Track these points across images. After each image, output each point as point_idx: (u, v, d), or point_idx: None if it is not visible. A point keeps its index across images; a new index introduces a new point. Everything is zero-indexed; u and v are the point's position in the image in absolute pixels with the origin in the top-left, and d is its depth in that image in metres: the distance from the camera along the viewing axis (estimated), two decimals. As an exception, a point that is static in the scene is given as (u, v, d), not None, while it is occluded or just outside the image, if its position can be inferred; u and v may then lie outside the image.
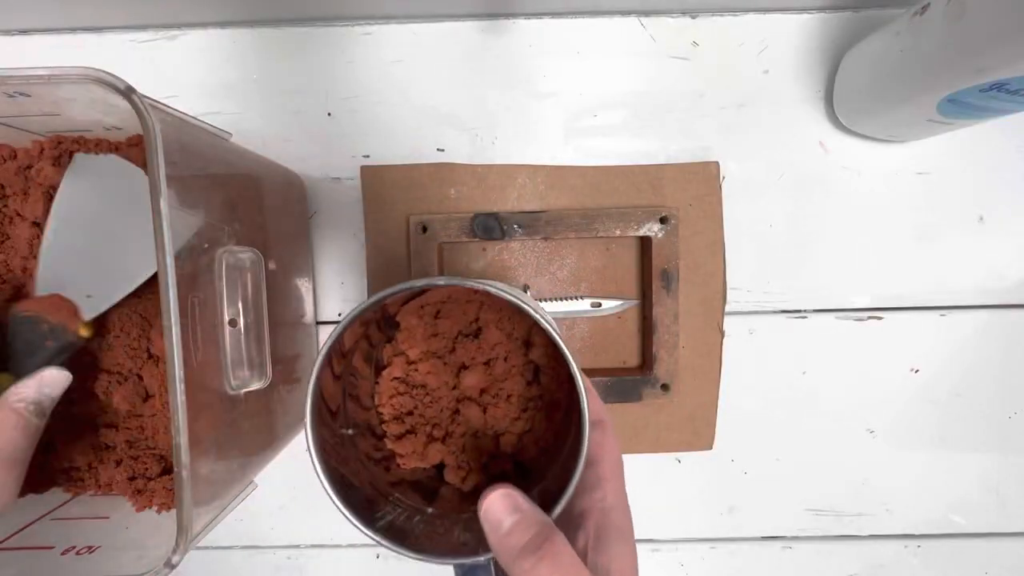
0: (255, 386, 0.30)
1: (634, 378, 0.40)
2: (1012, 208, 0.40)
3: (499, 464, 0.29)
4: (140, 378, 0.33)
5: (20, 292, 0.33)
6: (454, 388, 0.29)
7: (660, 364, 0.40)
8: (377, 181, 0.40)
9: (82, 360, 0.33)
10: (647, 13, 0.40)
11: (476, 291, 0.28)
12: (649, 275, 0.39)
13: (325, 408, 0.25)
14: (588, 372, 0.41)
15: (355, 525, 0.22)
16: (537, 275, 0.41)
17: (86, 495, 0.34)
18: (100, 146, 0.33)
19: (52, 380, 0.27)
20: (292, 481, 0.42)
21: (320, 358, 0.23)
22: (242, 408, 0.30)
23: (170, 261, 0.23)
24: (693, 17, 0.40)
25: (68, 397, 0.33)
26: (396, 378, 0.29)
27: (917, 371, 0.41)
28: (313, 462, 0.23)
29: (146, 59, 0.40)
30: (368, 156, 0.40)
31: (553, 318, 0.40)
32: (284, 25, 0.40)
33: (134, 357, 0.33)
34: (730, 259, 0.41)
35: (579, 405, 0.22)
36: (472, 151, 0.40)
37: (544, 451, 0.29)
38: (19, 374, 0.28)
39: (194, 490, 0.24)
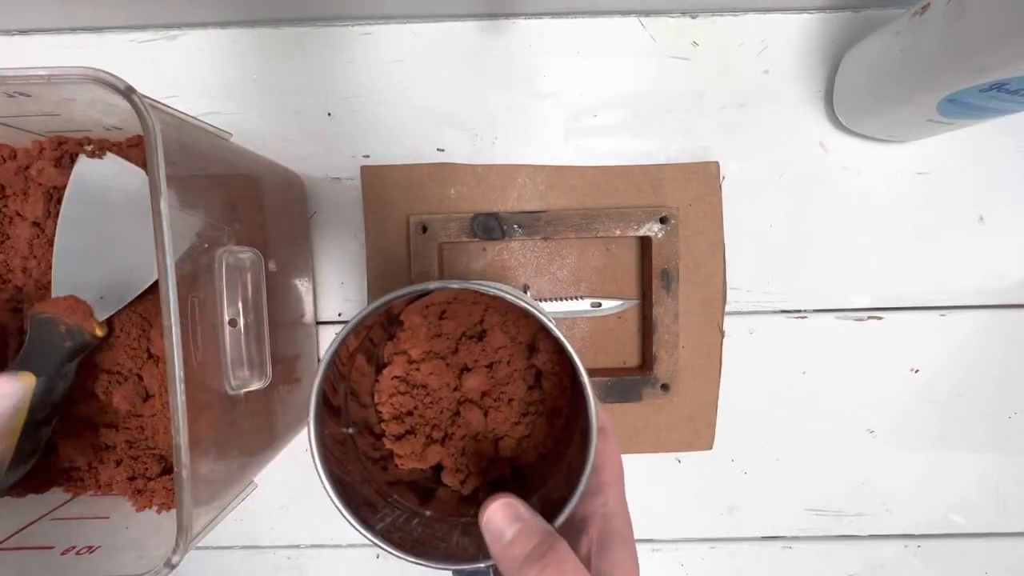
0: (255, 386, 0.30)
1: (634, 378, 0.40)
2: (1012, 208, 0.40)
3: (497, 468, 0.29)
4: (140, 378, 0.34)
5: (19, 293, 0.33)
6: (455, 390, 0.29)
7: (660, 364, 0.40)
8: (377, 181, 0.40)
9: (82, 360, 0.33)
10: (647, 13, 0.40)
11: (484, 295, 0.28)
12: (649, 275, 0.39)
13: (328, 406, 0.25)
14: (588, 372, 0.41)
15: (355, 527, 0.22)
16: (537, 275, 0.41)
17: (86, 495, 0.34)
18: (102, 146, 0.33)
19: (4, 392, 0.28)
20: (292, 481, 0.42)
21: (325, 360, 0.23)
22: (242, 408, 0.30)
23: (170, 261, 0.23)
24: (693, 17, 0.40)
25: (68, 397, 0.33)
26: (396, 377, 0.29)
27: (917, 371, 0.41)
28: (315, 463, 0.23)
29: (146, 59, 0.40)
30: (368, 156, 0.40)
31: (553, 318, 0.41)
32: (284, 25, 0.40)
33: (134, 357, 0.33)
34: (730, 259, 0.41)
35: (585, 413, 0.22)
36: (472, 151, 0.40)
37: (543, 457, 0.29)
38: (39, 374, 0.30)
39: (194, 490, 0.24)
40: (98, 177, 0.32)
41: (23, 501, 0.33)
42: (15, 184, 0.33)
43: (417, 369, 0.28)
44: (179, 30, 0.40)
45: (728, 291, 0.41)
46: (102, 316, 0.32)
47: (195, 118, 0.28)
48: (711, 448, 0.42)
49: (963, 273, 0.41)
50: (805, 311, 0.41)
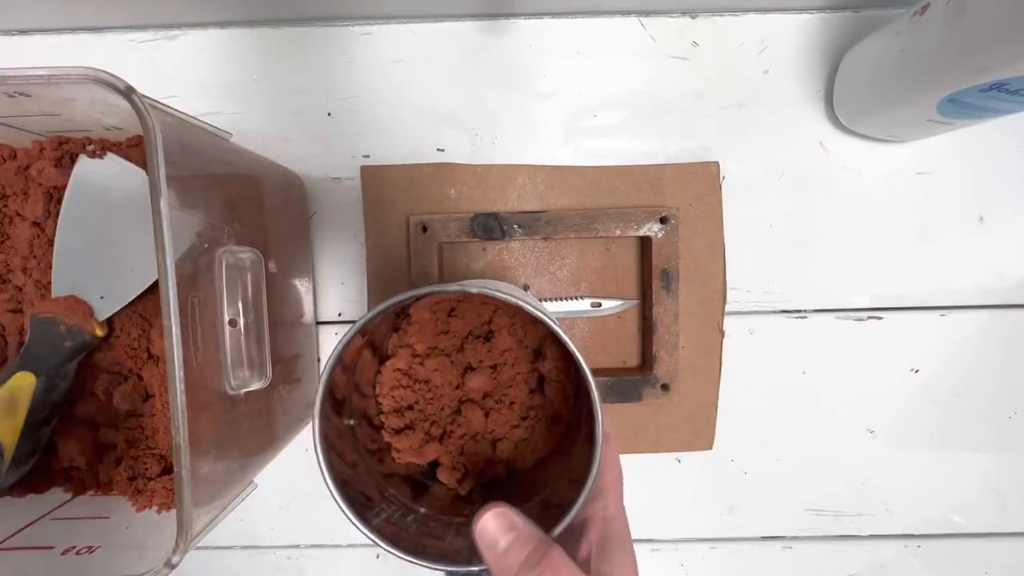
0: (255, 386, 0.30)
1: (634, 378, 0.40)
2: (1012, 208, 0.40)
3: (493, 469, 0.29)
4: (140, 378, 0.34)
5: (19, 293, 0.33)
6: (457, 388, 0.28)
7: (660, 364, 0.40)
8: (377, 181, 0.40)
9: (82, 360, 0.33)
10: (647, 13, 0.40)
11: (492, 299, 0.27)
12: (649, 275, 0.39)
13: (331, 398, 0.25)
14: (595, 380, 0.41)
15: (352, 521, 0.22)
16: (537, 275, 0.41)
17: (86, 495, 0.34)
18: (102, 146, 0.33)
19: None
20: (292, 481, 0.42)
21: (331, 360, 0.23)
22: (242, 408, 0.30)
23: (170, 261, 0.23)
24: (693, 17, 0.40)
25: (68, 397, 0.33)
26: (399, 369, 0.29)
27: (917, 371, 0.41)
28: (317, 455, 0.23)
29: (146, 59, 0.40)
30: (368, 156, 0.40)
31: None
32: (284, 25, 0.40)
33: (134, 357, 0.33)
34: (730, 259, 0.41)
35: (591, 421, 0.22)
36: (472, 151, 0.40)
37: (540, 462, 0.29)
38: (39, 374, 0.31)
39: (194, 490, 0.24)
40: (98, 177, 0.32)
41: (23, 501, 0.33)
42: (15, 184, 0.33)
43: (421, 364, 0.28)
44: (179, 30, 0.40)
45: (728, 291, 0.41)
46: (102, 316, 0.32)
47: (195, 118, 0.28)
48: (711, 448, 0.42)
49: (963, 273, 0.41)
50: (805, 311, 0.41)
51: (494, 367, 0.28)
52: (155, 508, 0.32)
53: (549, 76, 0.40)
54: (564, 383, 0.29)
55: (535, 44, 0.40)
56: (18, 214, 0.33)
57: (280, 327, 0.34)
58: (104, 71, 0.22)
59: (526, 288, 0.41)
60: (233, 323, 0.29)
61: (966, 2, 0.27)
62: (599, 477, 0.23)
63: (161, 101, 0.24)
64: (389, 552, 0.22)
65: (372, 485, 0.26)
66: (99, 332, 0.32)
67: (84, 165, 0.32)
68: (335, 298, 0.41)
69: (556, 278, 0.41)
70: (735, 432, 0.42)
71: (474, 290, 0.22)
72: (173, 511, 0.29)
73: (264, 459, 0.33)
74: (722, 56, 0.40)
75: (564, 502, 0.22)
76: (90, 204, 0.32)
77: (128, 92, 0.22)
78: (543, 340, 0.29)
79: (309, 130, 0.40)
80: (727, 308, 0.41)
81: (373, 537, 0.22)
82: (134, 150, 0.33)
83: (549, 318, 0.22)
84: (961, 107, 0.31)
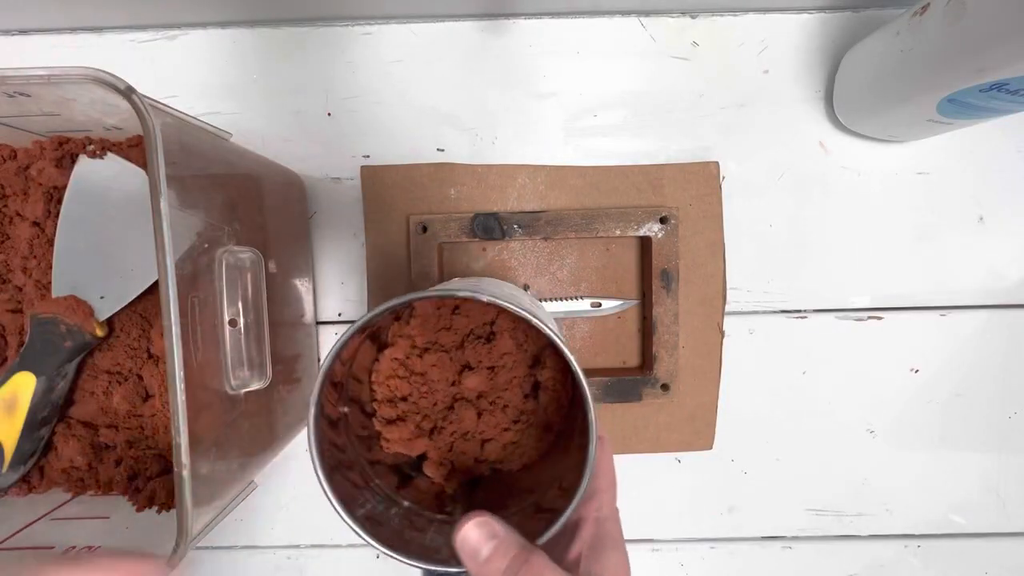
0: (255, 386, 0.30)
1: (634, 378, 0.40)
2: (1012, 208, 0.40)
3: (478, 468, 0.29)
4: (140, 378, 0.34)
5: (19, 293, 0.33)
6: (453, 385, 0.28)
7: (660, 364, 0.40)
8: (377, 181, 0.40)
9: (82, 360, 0.33)
10: (647, 13, 0.40)
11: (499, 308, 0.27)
12: (649, 275, 0.39)
13: (329, 386, 0.25)
14: (588, 372, 0.41)
15: (337, 511, 0.22)
16: (537, 275, 0.41)
17: (86, 495, 0.34)
18: (102, 146, 0.33)
19: None
20: (292, 481, 0.42)
21: (331, 355, 0.23)
22: (242, 408, 0.30)
23: (170, 261, 0.23)
24: (693, 17, 0.40)
25: (68, 397, 0.33)
26: (396, 359, 0.28)
27: (917, 371, 0.41)
28: (309, 441, 0.23)
29: (146, 59, 0.40)
30: (368, 156, 0.40)
31: (553, 318, 0.41)
32: (284, 25, 0.40)
33: (134, 357, 0.33)
34: (730, 259, 0.41)
35: (587, 431, 0.22)
36: (472, 151, 0.40)
37: (526, 467, 0.29)
38: (39, 374, 0.31)
39: (194, 490, 0.24)
40: (98, 177, 0.32)
41: (23, 501, 0.33)
42: (15, 184, 0.33)
43: (420, 357, 0.28)
44: (179, 30, 0.40)
45: (728, 291, 0.41)
46: (102, 316, 0.32)
47: (195, 118, 0.28)
48: (711, 448, 0.42)
49: (963, 273, 0.41)
50: (805, 311, 0.41)
51: (492, 369, 0.28)
52: (155, 508, 0.32)
53: (549, 76, 0.40)
54: (559, 392, 0.29)
55: (535, 44, 0.40)
56: (18, 214, 0.33)
57: (280, 327, 0.34)
58: (104, 71, 0.22)
59: (526, 288, 0.41)
60: (233, 323, 0.29)
61: (966, 2, 0.27)
62: (593, 479, 0.24)
63: (161, 101, 0.24)
64: (371, 546, 0.22)
65: (359, 472, 0.26)
66: (99, 332, 0.32)
67: (84, 165, 0.32)
68: (335, 298, 0.41)
69: (556, 278, 0.41)
70: (735, 432, 0.42)
71: (484, 298, 0.22)
72: (173, 511, 0.29)
73: (264, 459, 0.33)
74: (722, 56, 0.40)
75: (555, 508, 0.22)
76: (90, 204, 0.32)
77: (128, 92, 0.22)
78: (543, 347, 0.29)
79: (309, 130, 0.40)
80: (727, 308, 0.41)
81: (356, 528, 0.22)
82: (134, 150, 0.33)
83: (548, 327, 0.22)
84: (961, 107, 0.31)
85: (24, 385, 0.31)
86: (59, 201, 0.32)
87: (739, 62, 0.40)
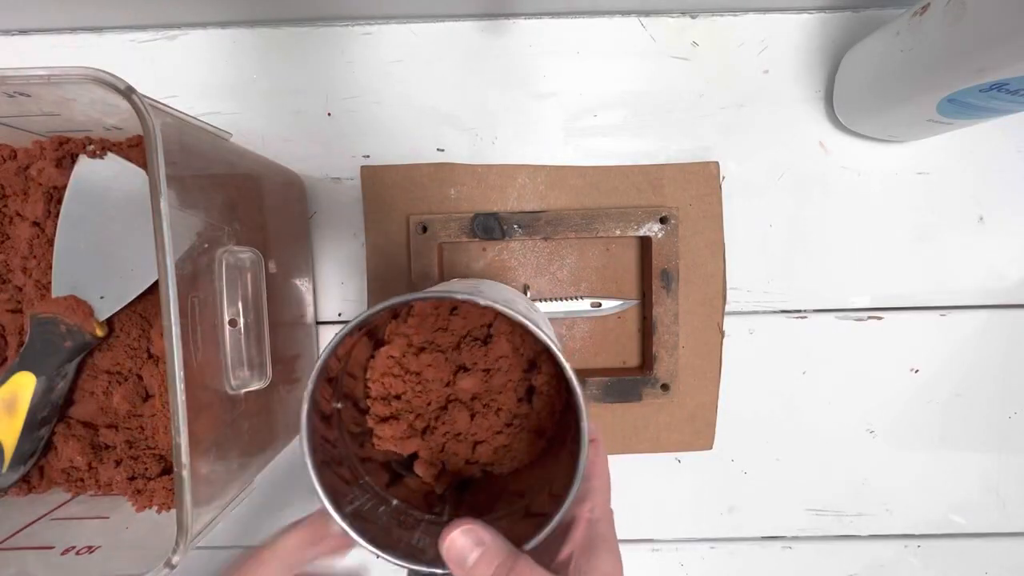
0: (255, 386, 0.30)
1: (634, 378, 0.40)
2: (1012, 208, 0.40)
3: (469, 470, 0.29)
4: (140, 378, 0.34)
5: (19, 293, 0.33)
6: (448, 385, 0.28)
7: (660, 364, 0.40)
8: (377, 181, 0.40)
9: (82, 360, 0.33)
10: (647, 13, 0.40)
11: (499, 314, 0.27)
12: (649, 275, 0.39)
13: (324, 381, 0.25)
14: (588, 372, 0.41)
15: (326, 506, 0.22)
16: (537, 275, 0.41)
17: (86, 495, 0.34)
18: (102, 146, 0.33)
19: None
20: (292, 481, 0.42)
21: (321, 359, 0.23)
22: (242, 408, 0.30)
23: (170, 261, 0.23)
24: (693, 17, 0.40)
25: (68, 397, 0.33)
26: (392, 357, 0.28)
27: (917, 371, 0.41)
28: (302, 435, 0.23)
29: (146, 59, 0.40)
30: (368, 156, 0.40)
31: (553, 318, 0.41)
32: (284, 25, 0.40)
33: (134, 357, 0.33)
34: (730, 259, 0.41)
35: (579, 439, 0.22)
36: (472, 151, 0.40)
37: (517, 471, 0.29)
38: (39, 374, 0.31)
39: (194, 490, 0.24)
40: (98, 177, 0.32)
41: (23, 501, 0.33)
42: (15, 184, 0.33)
43: (415, 356, 0.28)
44: (179, 30, 0.40)
45: (728, 291, 0.41)
46: (102, 316, 0.32)
47: (195, 118, 0.28)
48: (711, 448, 0.42)
49: (963, 273, 0.41)
50: (805, 311, 0.41)
51: (487, 371, 0.28)
52: (155, 508, 0.32)
53: (549, 76, 0.40)
54: (553, 398, 0.29)
55: (535, 44, 0.40)
56: (18, 214, 0.33)
57: (280, 327, 0.34)
58: (104, 71, 0.22)
59: (526, 289, 0.41)
60: (233, 323, 0.29)
61: (966, 2, 0.27)
62: (587, 480, 0.24)
63: (161, 101, 0.24)
64: (358, 544, 0.22)
65: (349, 468, 0.26)
66: (99, 332, 0.32)
67: (84, 165, 0.32)
68: (335, 298, 0.41)
69: (556, 278, 0.41)
70: (735, 432, 0.42)
71: (482, 301, 0.22)
72: (173, 511, 0.29)
73: (264, 459, 0.33)
74: (722, 56, 0.40)
75: (544, 512, 0.22)
76: (90, 204, 0.32)
77: (128, 92, 0.22)
78: (540, 352, 0.29)
79: (309, 130, 0.40)
80: (727, 308, 0.41)
81: (344, 525, 0.22)
82: (134, 150, 0.33)
83: (544, 333, 0.22)
84: (961, 107, 0.31)
85: (24, 385, 0.31)
86: (59, 201, 0.32)
87: (739, 62, 0.40)
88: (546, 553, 0.22)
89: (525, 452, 0.29)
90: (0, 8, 0.38)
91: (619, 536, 0.24)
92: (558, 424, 0.29)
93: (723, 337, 0.41)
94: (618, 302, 0.40)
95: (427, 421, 0.28)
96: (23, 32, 0.40)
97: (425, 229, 0.39)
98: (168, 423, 0.32)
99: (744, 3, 0.39)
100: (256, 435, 0.32)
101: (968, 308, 0.41)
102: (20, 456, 0.31)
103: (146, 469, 0.33)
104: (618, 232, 0.39)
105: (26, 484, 0.33)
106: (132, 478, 0.33)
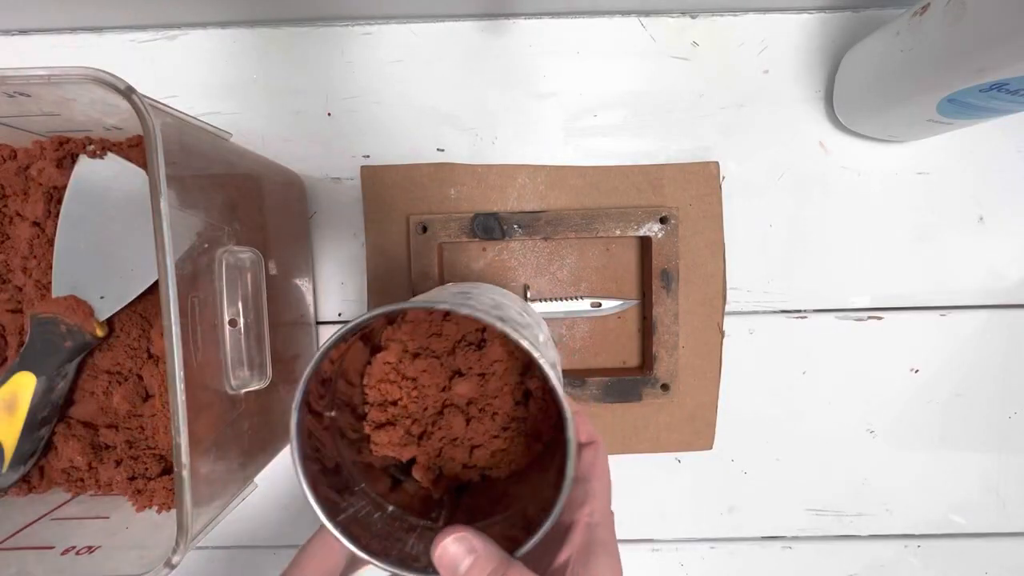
0: (255, 386, 0.30)
1: (634, 378, 0.40)
2: (1012, 208, 0.40)
3: (467, 474, 0.29)
4: (140, 378, 0.34)
5: (19, 293, 0.33)
6: (443, 390, 0.28)
7: (660, 364, 0.40)
8: (377, 181, 0.40)
9: (82, 360, 0.33)
10: (647, 13, 0.40)
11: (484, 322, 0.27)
12: (649, 275, 0.39)
13: (317, 383, 0.25)
14: (588, 372, 0.41)
15: (319, 515, 0.22)
16: (537, 275, 0.41)
17: (86, 495, 0.34)
18: (102, 146, 0.33)
19: None
20: (292, 481, 0.42)
21: (314, 361, 0.23)
22: (242, 408, 0.30)
23: (170, 261, 0.23)
24: (693, 17, 0.40)
25: (68, 397, 0.33)
26: (389, 363, 0.28)
27: (917, 371, 0.41)
28: (292, 445, 0.23)
29: (146, 59, 0.40)
30: (368, 156, 0.40)
31: (553, 318, 0.41)
32: (284, 25, 0.40)
33: (134, 357, 0.33)
34: (730, 259, 0.41)
35: (565, 443, 0.21)
36: (472, 151, 0.40)
37: (514, 474, 0.29)
38: (39, 374, 0.31)
39: (194, 490, 0.24)
40: (98, 177, 0.32)
41: (23, 501, 0.33)
42: (15, 184, 0.33)
43: (411, 362, 0.28)
44: (179, 30, 0.40)
45: (728, 291, 0.41)
46: (102, 316, 0.32)
47: (195, 118, 0.28)
48: (711, 448, 0.42)
49: (963, 273, 0.41)
50: (805, 311, 0.41)
51: (483, 375, 0.28)
52: (155, 508, 0.32)
53: (549, 76, 0.40)
54: (548, 402, 0.29)
55: (535, 44, 0.40)
56: (18, 214, 0.33)
57: (280, 327, 0.34)
58: (104, 71, 0.22)
59: (526, 288, 0.41)
60: (233, 323, 0.29)
61: (966, 2, 0.27)
62: (587, 483, 0.24)
63: (161, 101, 0.24)
64: (349, 549, 0.22)
65: (346, 475, 0.26)
66: (99, 332, 0.32)
67: (84, 165, 0.32)
68: (335, 298, 0.41)
69: (556, 278, 0.41)
70: (735, 432, 0.42)
71: (464, 310, 0.22)
72: (173, 511, 0.29)
73: (264, 459, 0.33)
74: (722, 56, 0.40)
75: (541, 518, 0.22)
76: (90, 204, 0.32)
77: (128, 92, 0.22)
78: None
79: (309, 130, 0.40)
80: (727, 308, 0.41)
81: (337, 533, 0.22)
82: (134, 150, 0.33)
83: (527, 340, 0.22)
84: (961, 107, 0.31)
85: (24, 385, 0.31)
86: (59, 201, 0.32)
87: (739, 62, 0.40)
88: (543, 558, 0.22)
89: (522, 456, 0.29)
90: (0, 8, 0.38)
91: (619, 536, 0.24)
92: (555, 427, 0.29)
93: (723, 337, 0.41)
94: (618, 302, 0.40)
95: (424, 426, 0.28)
96: (23, 32, 0.40)
97: (425, 229, 0.39)
98: (168, 423, 0.32)
99: (744, 3, 0.39)
100: (256, 435, 0.32)
101: (968, 308, 0.41)
102: (20, 456, 0.31)
103: (146, 469, 0.33)
104: (618, 232, 0.39)
105: (26, 484, 0.33)
106: (132, 478, 0.33)
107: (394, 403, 0.28)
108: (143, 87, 0.23)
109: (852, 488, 0.42)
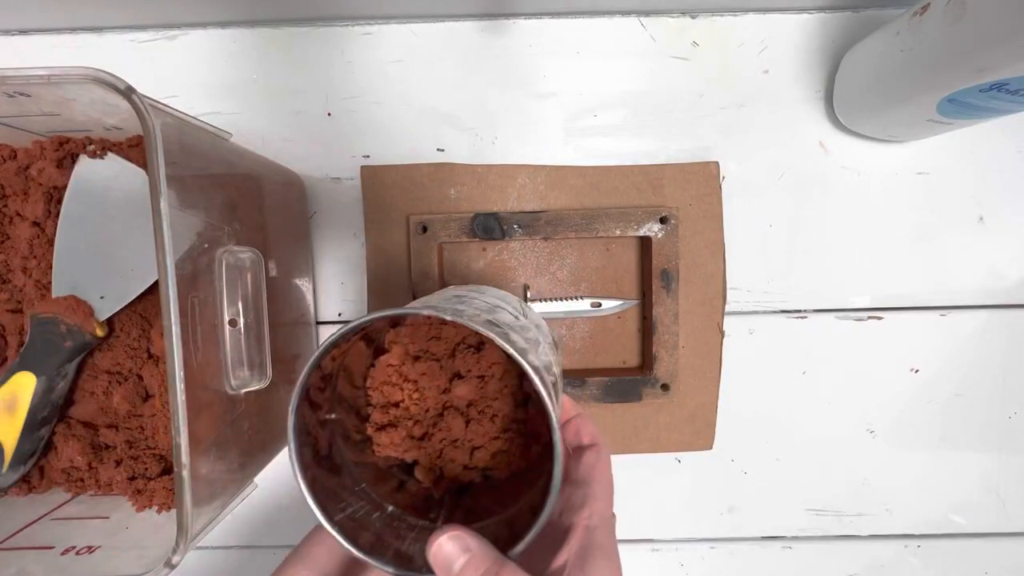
0: (255, 386, 0.30)
1: (634, 378, 0.40)
2: (1012, 208, 0.40)
3: (467, 475, 0.29)
4: (140, 378, 0.34)
5: (19, 293, 0.33)
6: (444, 392, 0.29)
7: (660, 364, 0.40)
8: (377, 181, 0.40)
9: (82, 360, 0.33)
10: (647, 13, 0.40)
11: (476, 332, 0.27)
12: (649, 275, 0.39)
13: (316, 383, 0.25)
14: (588, 372, 0.41)
15: (316, 513, 0.22)
16: (537, 275, 0.41)
17: (86, 495, 0.34)
18: (102, 146, 0.33)
19: None
20: (292, 481, 0.42)
21: (312, 361, 0.23)
22: (242, 408, 0.30)
23: (170, 261, 0.23)
24: (693, 17, 0.40)
25: (68, 397, 0.33)
26: (391, 366, 0.29)
27: (917, 371, 0.41)
28: (289, 445, 0.23)
29: (146, 59, 0.40)
30: (368, 156, 0.40)
31: (553, 318, 0.41)
32: (284, 25, 0.40)
33: (134, 357, 0.33)
34: (730, 259, 0.41)
35: (551, 447, 0.21)
36: (472, 151, 0.40)
37: (514, 475, 0.29)
38: (39, 374, 0.31)
39: (194, 490, 0.24)
40: (98, 177, 0.32)
41: (23, 501, 0.33)
42: (15, 184, 0.33)
43: (412, 364, 0.28)
44: (179, 30, 0.40)
45: (728, 291, 0.41)
46: (102, 316, 0.32)
47: (195, 118, 0.28)
48: (711, 448, 0.42)
49: (963, 273, 0.41)
50: (805, 311, 0.41)
51: (481, 378, 0.28)
52: (155, 508, 0.32)
53: (549, 76, 0.40)
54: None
55: (535, 44, 0.40)
56: (18, 214, 0.33)
57: (280, 327, 0.34)
58: (104, 71, 0.22)
59: (526, 289, 0.41)
60: (233, 323, 0.29)
61: (966, 2, 0.27)
62: (587, 486, 0.23)
63: (161, 101, 0.24)
64: (346, 549, 0.22)
65: (346, 475, 0.26)
66: (99, 332, 0.32)
67: (84, 165, 0.32)
68: (335, 298, 0.41)
69: (556, 278, 0.41)
70: (735, 432, 0.42)
71: (448, 316, 0.22)
72: (173, 511, 0.29)
73: (264, 459, 0.34)
74: (722, 56, 0.40)
75: (530, 522, 0.22)
76: (90, 204, 0.32)
77: (128, 92, 0.22)
78: None
79: (309, 130, 0.40)
80: (727, 308, 0.41)
81: (334, 532, 0.22)
82: (134, 150, 0.33)
83: (512, 345, 0.22)
84: (961, 107, 0.31)
85: (24, 385, 0.31)
86: (59, 201, 0.32)
87: (739, 62, 0.40)
88: (541, 560, 0.22)
89: (522, 457, 0.29)
90: (0, 8, 0.38)
91: (619, 536, 0.24)
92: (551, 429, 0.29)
93: (723, 337, 0.41)
94: (618, 302, 0.40)
95: (425, 428, 0.29)
96: (23, 32, 0.40)
97: (425, 229, 0.39)
98: (168, 423, 0.32)
99: (744, 3, 0.39)
100: (256, 435, 0.32)
101: (968, 308, 0.41)
102: (20, 456, 0.31)
103: (146, 469, 0.33)
104: (618, 232, 0.39)
105: (26, 484, 0.33)
106: (132, 478, 0.33)
107: (396, 405, 0.28)
108: (143, 87, 0.23)
109: (852, 488, 0.42)
